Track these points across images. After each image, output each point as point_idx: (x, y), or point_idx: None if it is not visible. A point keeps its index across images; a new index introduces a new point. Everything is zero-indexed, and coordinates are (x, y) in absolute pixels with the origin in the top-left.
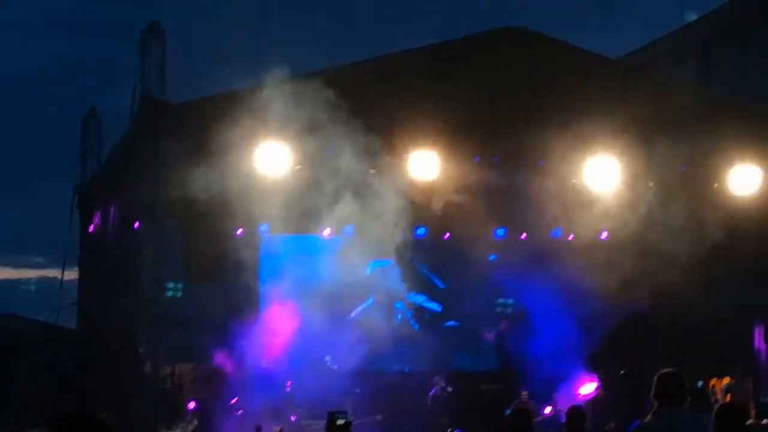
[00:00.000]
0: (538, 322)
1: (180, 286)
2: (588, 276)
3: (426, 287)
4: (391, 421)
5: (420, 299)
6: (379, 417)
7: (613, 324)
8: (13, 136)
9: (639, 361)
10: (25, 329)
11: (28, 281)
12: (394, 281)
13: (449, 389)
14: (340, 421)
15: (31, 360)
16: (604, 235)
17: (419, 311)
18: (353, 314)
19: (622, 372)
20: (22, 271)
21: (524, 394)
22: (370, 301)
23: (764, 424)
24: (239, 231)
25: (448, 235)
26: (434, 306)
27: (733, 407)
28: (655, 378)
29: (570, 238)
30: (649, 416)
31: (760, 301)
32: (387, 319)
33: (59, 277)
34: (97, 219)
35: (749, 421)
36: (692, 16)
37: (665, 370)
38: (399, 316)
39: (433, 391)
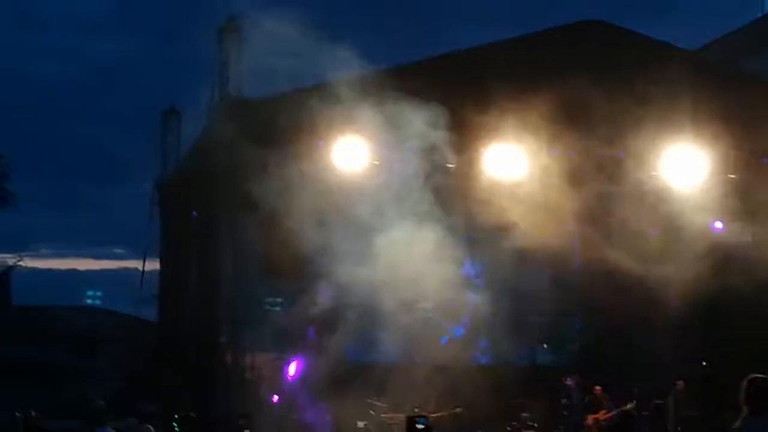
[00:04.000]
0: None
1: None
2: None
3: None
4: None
5: None
6: (459, 409)
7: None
8: (95, 132)
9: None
10: (106, 322)
11: (109, 272)
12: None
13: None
14: (419, 425)
15: (111, 354)
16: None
17: None
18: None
19: (703, 363)
20: (102, 262)
21: (597, 388)
22: None
23: None
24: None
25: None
26: None
27: None
28: (745, 383)
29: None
30: (738, 422)
31: None
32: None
33: (140, 268)
34: (177, 215)
35: None
36: None
37: (755, 375)
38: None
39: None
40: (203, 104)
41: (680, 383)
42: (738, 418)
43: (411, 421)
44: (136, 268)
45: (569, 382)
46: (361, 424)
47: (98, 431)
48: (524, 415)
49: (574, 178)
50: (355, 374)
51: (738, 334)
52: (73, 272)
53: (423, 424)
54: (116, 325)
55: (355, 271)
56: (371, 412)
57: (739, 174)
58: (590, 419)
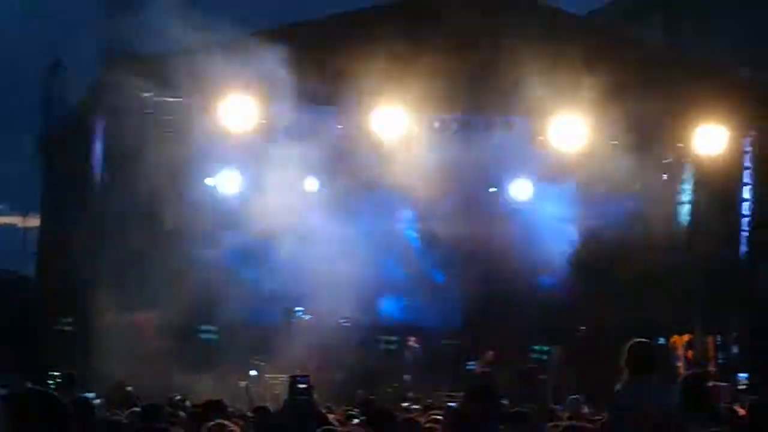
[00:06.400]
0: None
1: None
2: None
3: None
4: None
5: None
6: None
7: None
8: None
9: (598, 318)
10: None
11: None
12: None
13: (418, 348)
14: (302, 385)
15: None
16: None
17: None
18: None
19: (579, 329)
20: None
21: (490, 353)
22: None
23: (725, 386)
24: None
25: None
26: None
27: (695, 377)
28: (627, 347)
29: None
30: (619, 385)
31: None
32: None
33: (20, 224)
34: (61, 169)
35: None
36: None
37: (637, 339)
38: None
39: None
40: (90, 58)
41: (557, 347)
42: (618, 381)
43: (294, 381)
44: (16, 225)
45: (412, 342)
46: (242, 383)
47: None
48: (406, 377)
49: (457, 141)
50: (238, 334)
51: (617, 299)
52: None
53: (305, 383)
54: None
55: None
56: (254, 372)
57: (622, 138)
58: None
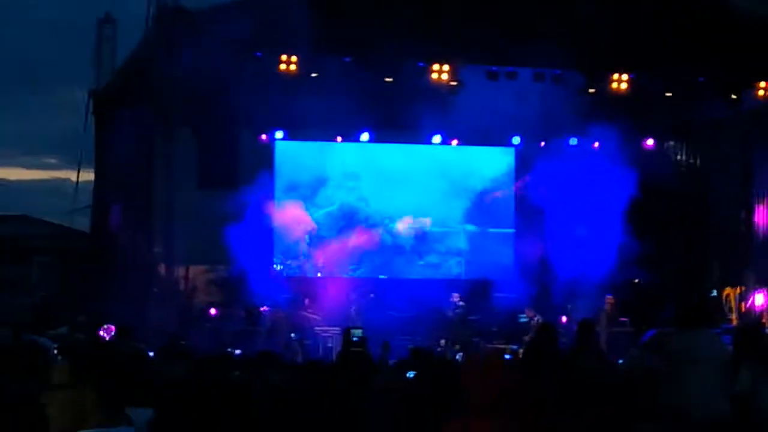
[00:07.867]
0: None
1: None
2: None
3: None
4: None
5: None
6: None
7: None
8: (21, 38)
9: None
10: (37, 232)
11: (40, 182)
12: None
13: (461, 304)
14: (356, 337)
15: (43, 263)
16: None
17: None
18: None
19: (636, 281)
20: (34, 172)
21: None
22: None
23: None
24: (262, 137)
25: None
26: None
27: (748, 326)
28: (679, 304)
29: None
30: (672, 337)
31: None
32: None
33: (73, 179)
34: (113, 124)
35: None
36: None
37: (690, 296)
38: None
39: (450, 307)
40: (140, 12)
41: (610, 298)
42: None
43: (348, 332)
44: (69, 179)
45: (455, 299)
46: (293, 335)
47: (25, 339)
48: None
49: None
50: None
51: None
52: (2, 181)
53: (359, 336)
54: (48, 234)
55: None
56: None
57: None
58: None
